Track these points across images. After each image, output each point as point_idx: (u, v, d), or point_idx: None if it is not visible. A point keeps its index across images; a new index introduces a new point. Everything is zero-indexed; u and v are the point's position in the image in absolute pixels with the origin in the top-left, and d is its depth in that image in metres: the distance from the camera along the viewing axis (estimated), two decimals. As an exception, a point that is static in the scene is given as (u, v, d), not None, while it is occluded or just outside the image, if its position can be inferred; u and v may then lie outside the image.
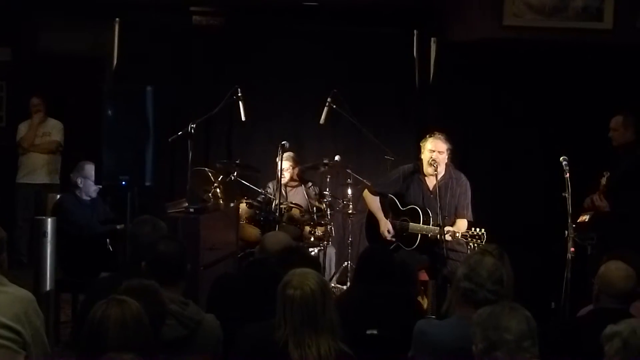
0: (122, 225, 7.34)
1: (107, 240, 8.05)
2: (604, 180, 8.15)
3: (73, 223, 7.89)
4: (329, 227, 9.26)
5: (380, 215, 8.31)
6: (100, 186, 8.25)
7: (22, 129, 10.87)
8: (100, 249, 7.99)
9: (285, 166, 9.38)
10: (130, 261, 5.63)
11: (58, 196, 8.76)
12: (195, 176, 8.62)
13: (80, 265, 7.88)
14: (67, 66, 11.75)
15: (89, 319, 3.79)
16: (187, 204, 7.67)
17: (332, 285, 9.04)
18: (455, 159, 8.38)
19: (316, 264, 6.08)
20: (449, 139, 8.12)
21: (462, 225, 8.01)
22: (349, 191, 9.36)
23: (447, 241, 7.68)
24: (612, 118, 8.38)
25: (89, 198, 8.33)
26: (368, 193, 8.51)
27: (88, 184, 8.24)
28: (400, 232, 8.15)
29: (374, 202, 8.40)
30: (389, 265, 5.87)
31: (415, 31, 10.36)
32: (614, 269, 5.04)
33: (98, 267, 7.42)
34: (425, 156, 8.06)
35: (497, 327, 3.82)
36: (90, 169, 8.19)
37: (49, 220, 7.02)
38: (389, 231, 8.19)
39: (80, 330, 3.93)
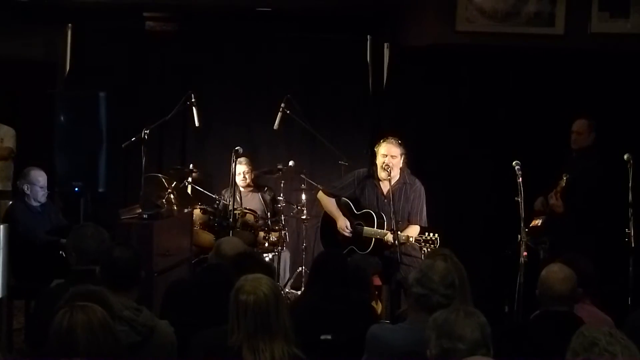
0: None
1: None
2: (563, 182, 8.16)
3: (18, 233, 7.78)
4: (283, 232, 9.28)
5: (337, 213, 8.25)
6: (48, 191, 8.18)
7: (-27, 136, 10.73)
8: (52, 255, 7.92)
9: (245, 169, 9.41)
10: (78, 268, 5.56)
11: (10, 203, 8.68)
12: (148, 182, 8.60)
13: (33, 271, 7.81)
14: (18, 71, 11.61)
15: (55, 328, 3.75)
16: (140, 210, 7.65)
17: (287, 290, 9.06)
18: (409, 163, 8.39)
19: (270, 269, 6.08)
20: (403, 143, 8.13)
21: (414, 230, 8.02)
22: (303, 196, 9.40)
23: (401, 245, 7.68)
24: (575, 121, 8.44)
25: (38, 204, 8.25)
26: (323, 194, 8.46)
27: (35, 190, 8.16)
28: (355, 236, 8.15)
29: (330, 202, 8.35)
30: (343, 270, 5.89)
31: (368, 36, 10.41)
32: (553, 272, 5.10)
33: (51, 274, 7.34)
34: (379, 161, 8.05)
35: (451, 336, 3.78)
36: (35, 174, 8.14)
37: (1, 227, 6.95)
38: (347, 227, 8.14)
39: (36, 338, 3.90)
